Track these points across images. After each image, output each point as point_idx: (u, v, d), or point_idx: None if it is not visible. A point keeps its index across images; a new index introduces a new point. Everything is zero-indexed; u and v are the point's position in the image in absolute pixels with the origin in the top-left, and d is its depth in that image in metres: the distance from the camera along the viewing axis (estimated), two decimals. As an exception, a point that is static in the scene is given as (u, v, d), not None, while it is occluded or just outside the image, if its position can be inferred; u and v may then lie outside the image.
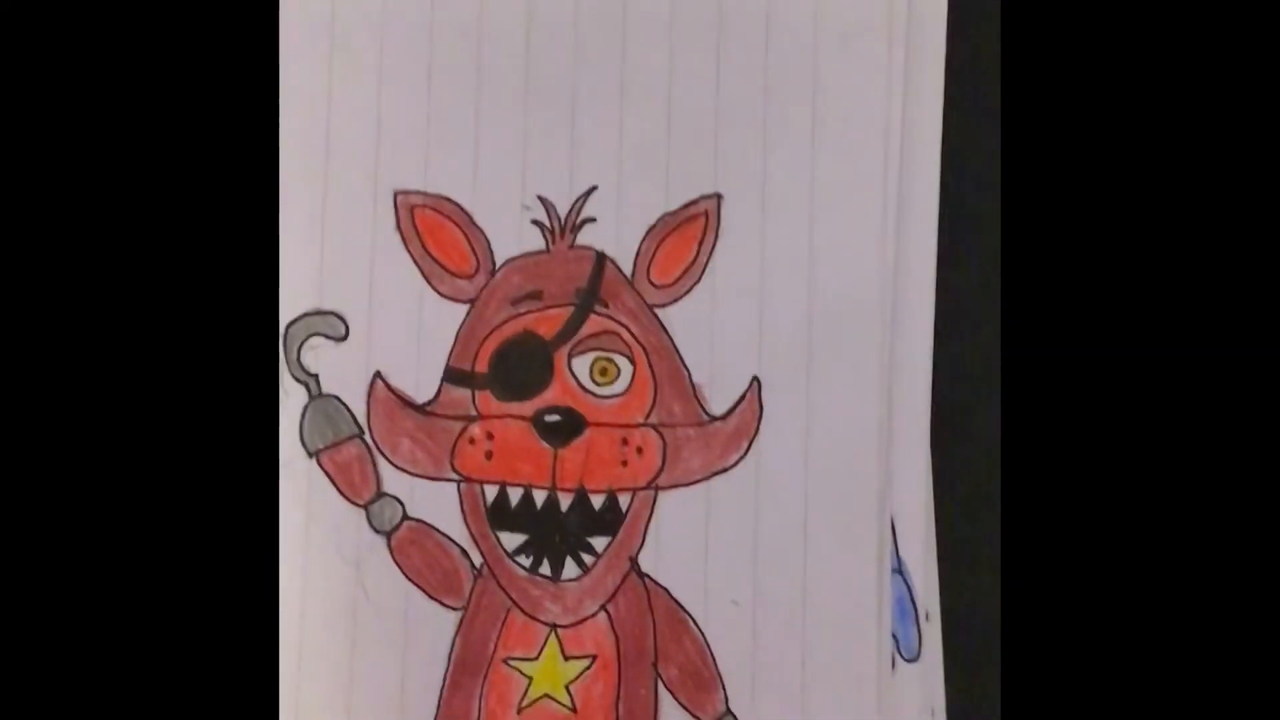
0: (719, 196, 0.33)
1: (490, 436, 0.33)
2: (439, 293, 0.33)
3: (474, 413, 0.33)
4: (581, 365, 0.33)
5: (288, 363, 0.33)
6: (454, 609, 0.32)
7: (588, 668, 0.32)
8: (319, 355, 0.33)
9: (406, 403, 0.33)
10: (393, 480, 0.33)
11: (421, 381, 0.33)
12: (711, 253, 0.33)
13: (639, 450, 0.33)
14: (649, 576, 0.32)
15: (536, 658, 0.32)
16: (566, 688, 0.32)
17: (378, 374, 0.33)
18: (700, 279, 0.33)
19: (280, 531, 0.32)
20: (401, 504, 0.32)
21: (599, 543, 0.33)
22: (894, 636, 0.32)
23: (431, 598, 0.32)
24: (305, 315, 0.33)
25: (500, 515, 0.33)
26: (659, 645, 0.32)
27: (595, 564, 0.33)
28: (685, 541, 0.32)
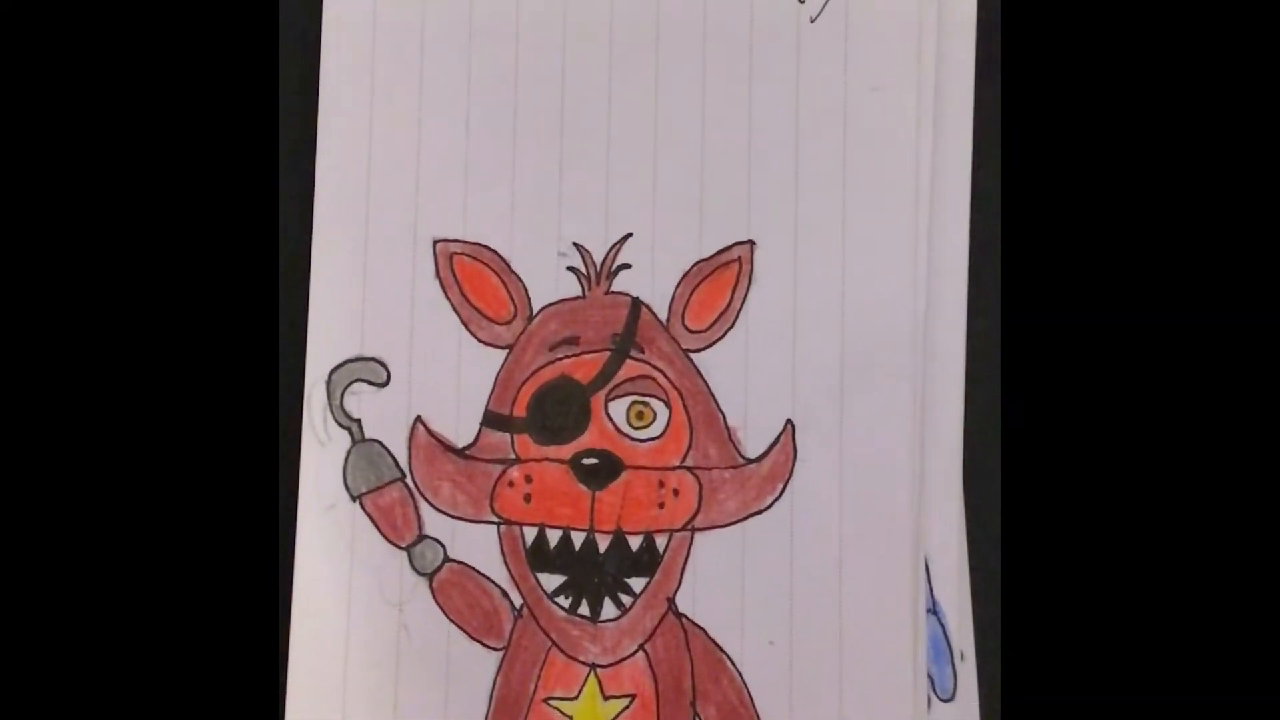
0: (752, 243, 0.34)
1: (529, 479, 0.33)
2: (478, 339, 0.34)
3: (513, 456, 0.33)
4: (618, 409, 0.34)
5: (330, 408, 0.33)
6: (495, 649, 0.33)
7: (627, 707, 0.33)
8: (361, 401, 0.33)
9: (447, 447, 0.33)
10: (434, 523, 0.33)
11: (461, 426, 0.34)
12: (745, 298, 0.34)
13: (675, 492, 0.33)
14: (686, 617, 0.33)
15: (576, 697, 0.33)
16: (606, 727, 0.33)
17: (418, 419, 0.33)
18: (734, 324, 0.34)
19: (324, 574, 0.33)
20: (443, 546, 0.33)
21: (637, 584, 0.33)
22: (929, 676, 0.33)
23: (473, 638, 0.33)
24: (347, 361, 0.34)
25: (539, 557, 0.33)
26: (697, 685, 0.33)
27: (633, 605, 0.33)
28: (722, 582, 0.33)
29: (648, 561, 0.33)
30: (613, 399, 0.34)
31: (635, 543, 0.33)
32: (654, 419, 0.34)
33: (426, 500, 0.33)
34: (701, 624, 0.33)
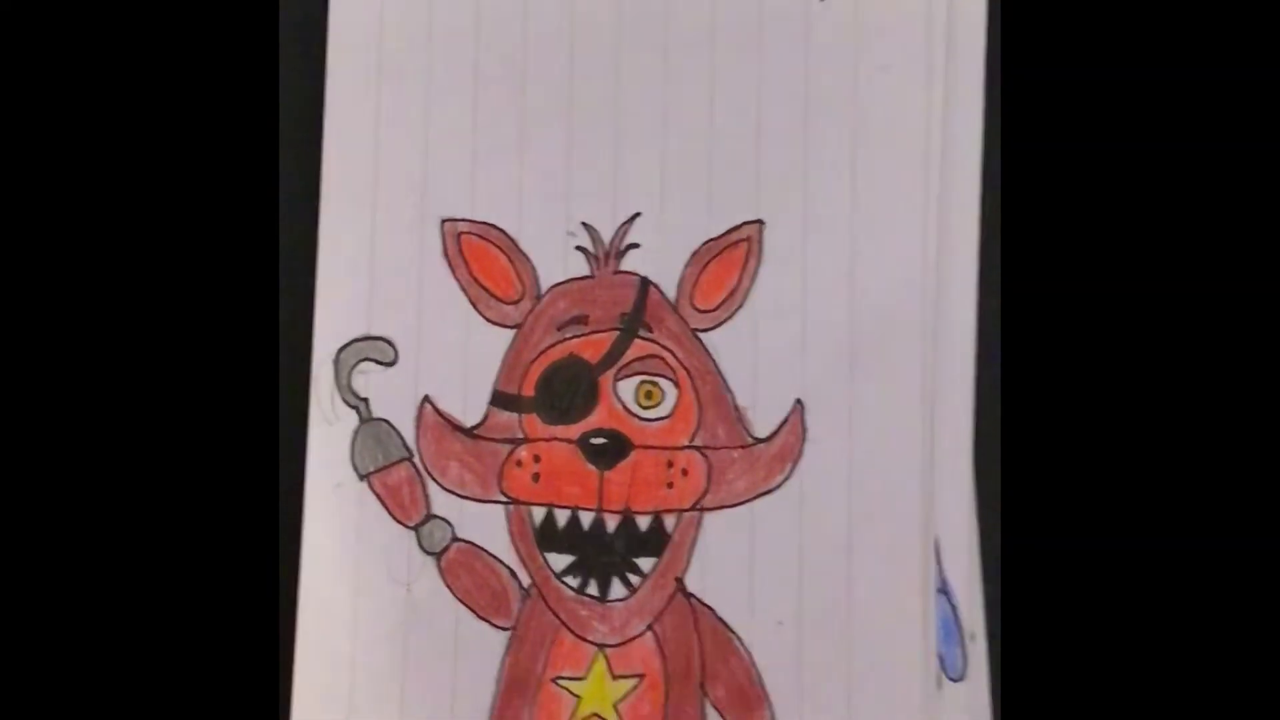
0: (761, 222, 0.34)
1: (537, 459, 0.33)
2: (485, 318, 0.34)
3: (521, 435, 0.33)
4: (626, 389, 0.33)
5: (338, 387, 0.33)
6: (503, 629, 0.33)
7: (635, 687, 0.33)
8: (368, 380, 0.33)
9: (455, 426, 0.33)
10: (442, 502, 0.33)
11: (469, 405, 0.33)
12: (754, 277, 0.34)
13: (684, 472, 0.33)
14: (695, 597, 0.33)
15: (585, 677, 0.33)
16: (615, 706, 0.33)
17: (426, 398, 0.33)
18: (743, 303, 0.34)
19: (331, 553, 0.33)
20: (451, 525, 0.33)
21: (645, 563, 0.33)
22: (939, 657, 0.33)
23: (481, 618, 0.33)
24: (355, 341, 0.33)
25: (548, 537, 0.33)
26: (706, 665, 0.33)
27: (642, 584, 0.33)
28: (730, 562, 0.33)
29: (656, 542, 0.33)
30: (621, 378, 0.33)
31: (644, 522, 0.33)
32: (662, 398, 0.33)
33: (434, 479, 0.33)
34: (710, 604, 0.33)
